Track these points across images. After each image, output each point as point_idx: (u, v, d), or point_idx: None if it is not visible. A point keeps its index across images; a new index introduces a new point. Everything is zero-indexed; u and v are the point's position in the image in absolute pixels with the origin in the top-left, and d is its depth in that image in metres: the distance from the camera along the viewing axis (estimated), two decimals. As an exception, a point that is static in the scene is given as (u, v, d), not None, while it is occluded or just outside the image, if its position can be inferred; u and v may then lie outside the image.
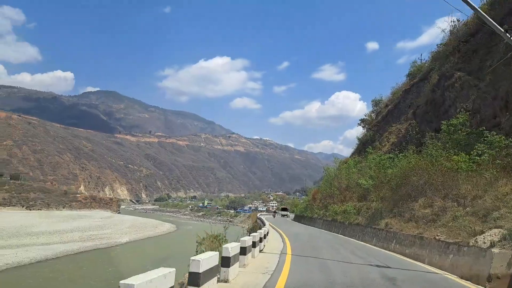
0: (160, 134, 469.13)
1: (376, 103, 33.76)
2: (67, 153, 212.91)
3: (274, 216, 70.30)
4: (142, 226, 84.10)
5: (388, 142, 21.65)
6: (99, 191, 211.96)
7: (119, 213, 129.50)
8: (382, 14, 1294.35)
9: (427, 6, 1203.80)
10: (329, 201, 29.78)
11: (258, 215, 59.05)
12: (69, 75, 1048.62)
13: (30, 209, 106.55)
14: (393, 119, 25.18)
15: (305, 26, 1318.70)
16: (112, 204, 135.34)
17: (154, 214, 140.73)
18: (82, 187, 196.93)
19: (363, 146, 28.04)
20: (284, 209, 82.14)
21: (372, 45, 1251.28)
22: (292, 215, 73.89)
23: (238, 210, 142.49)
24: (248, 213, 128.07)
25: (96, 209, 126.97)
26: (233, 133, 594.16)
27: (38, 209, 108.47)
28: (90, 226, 73.97)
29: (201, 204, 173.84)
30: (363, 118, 34.60)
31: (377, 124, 27.63)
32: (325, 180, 33.53)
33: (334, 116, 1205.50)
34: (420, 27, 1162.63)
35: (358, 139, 33.99)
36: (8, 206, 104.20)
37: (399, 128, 22.16)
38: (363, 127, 33.95)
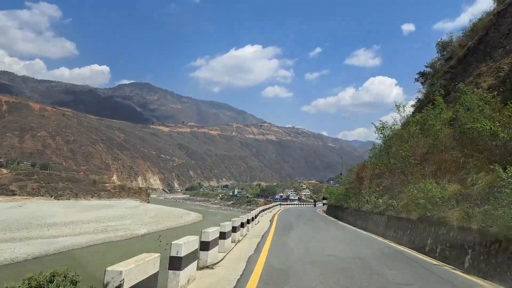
0: (193, 124, 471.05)
1: (443, 46, 25.70)
2: (99, 144, 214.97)
3: (315, 205, 76.50)
4: (166, 216, 79.87)
5: (479, 88, 14.28)
6: (132, 181, 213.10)
7: (148, 202, 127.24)
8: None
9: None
10: (394, 179, 17.49)
11: (263, 208, 32.97)
12: (105, 68, 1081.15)
13: (58, 199, 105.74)
14: (478, 58, 17.80)
15: (337, 10, 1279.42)
16: (141, 194, 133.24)
17: (184, 204, 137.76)
18: (114, 177, 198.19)
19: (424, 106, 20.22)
20: (324, 198, 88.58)
21: (408, 27, 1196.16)
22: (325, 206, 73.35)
23: (268, 198, 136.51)
24: (279, 201, 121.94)
25: (125, 198, 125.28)
26: (265, 122, 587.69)
27: (67, 199, 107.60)
28: (111, 216, 70.48)
29: (231, 193, 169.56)
30: (423, 71, 26.51)
31: (450, 71, 20.03)
32: (379, 152, 21.72)
33: (369, 102, 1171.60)
34: (459, 6, 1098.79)
35: (419, 100, 24.97)
36: (37, 196, 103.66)
37: (496, 66, 14.89)
38: (422, 82, 25.89)
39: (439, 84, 19.11)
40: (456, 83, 15.26)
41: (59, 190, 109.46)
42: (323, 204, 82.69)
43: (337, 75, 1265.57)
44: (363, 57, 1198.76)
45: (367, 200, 20.94)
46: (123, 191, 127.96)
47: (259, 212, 26.08)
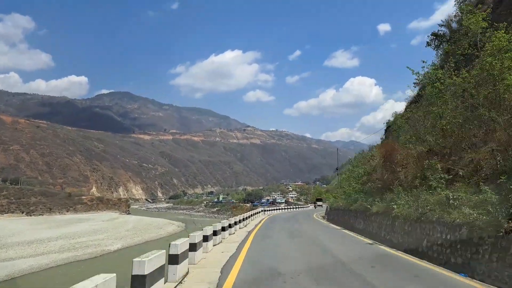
0: (175, 131, 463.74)
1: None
2: (77, 155, 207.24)
3: (315, 207, 74.19)
4: (145, 228, 74.78)
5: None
6: (112, 192, 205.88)
7: (128, 213, 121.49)
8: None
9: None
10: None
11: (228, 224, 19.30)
12: (83, 79, 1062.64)
13: (30, 215, 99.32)
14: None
15: (315, 13, 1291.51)
16: (121, 205, 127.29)
17: (167, 213, 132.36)
18: (94, 189, 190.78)
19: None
20: (318, 199, 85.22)
21: (384, 27, 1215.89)
22: (323, 206, 71.01)
23: (255, 203, 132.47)
24: (266, 206, 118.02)
25: (104, 210, 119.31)
26: (249, 126, 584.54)
27: (40, 214, 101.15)
28: (84, 231, 65.09)
29: (216, 200, 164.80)
30: (435, 32, 22.31)
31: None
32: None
33: (350, 103, 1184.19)
34: (432, 4, 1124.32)
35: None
36: (7, 212, 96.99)
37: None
38: (437, 45, 21.81)
39: (464, 44, 14.73)
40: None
41: (31, 206, 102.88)
42: (316, 206, 78.94)
43: (317, 77, 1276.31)
44: (342, 58, 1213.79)
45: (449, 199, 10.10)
46: (101, 203, 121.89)
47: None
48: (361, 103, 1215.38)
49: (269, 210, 50.86)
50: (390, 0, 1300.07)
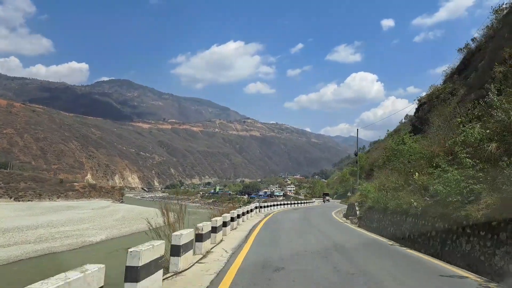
0: (174, 120, 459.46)
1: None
2: (73, 141, 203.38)
3: (324, 201, 69.96)
4: (135, 217, 71.20)
5: None
6: (108, 180, 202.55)
7: (121, 202, 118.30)
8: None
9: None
10: None
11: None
12: (84, 66, 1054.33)
13: (19, 200, 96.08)
14: None
15: (318, 6, 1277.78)
16: (114, 193, 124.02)
17: (161, 202, 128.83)
18: (89, 176, 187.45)
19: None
20: (326, 194, 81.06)
21: (388, 23, 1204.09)
22: (331, 201, 66.57)
23: (252, 195, 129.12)
24: (263, 198, 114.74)
25: (96, 198, 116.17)
26: (248, 118, 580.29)
27: (29, 200, 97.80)
28: (69, 220, 61.65)
29: (212, 191, 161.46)
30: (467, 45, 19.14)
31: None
32: None
33: (350, 98, 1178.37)
34: (437, 1, 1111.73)
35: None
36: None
37: None
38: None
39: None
40: None
41: (20, 191, 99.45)
42: (326, 200, 74.00)
43: (319, 71, 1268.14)
44: (344, 53, 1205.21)
45: None
46: (93, 191, 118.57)
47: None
48: (362, 99, 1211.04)
49: (267, 207, 33.91)
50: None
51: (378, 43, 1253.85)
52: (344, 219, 26.45)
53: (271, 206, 36.45)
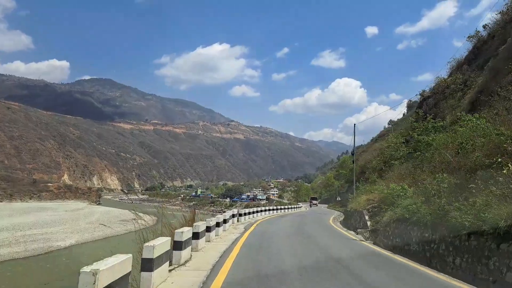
0: (156, 121, 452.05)
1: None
2: (49, 140, 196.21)
3: (311, 206, 66.73)
4: (111, 221, 67.68)
5: None
6: (86, 181, 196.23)
7: (98, 204, 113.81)
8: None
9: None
10: None
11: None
12: (65, 64, 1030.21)
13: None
14: None
15: (305, 11, 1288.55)
16: (91, 194, 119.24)
17: (140, 205, 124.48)
18: (65, 176, 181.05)
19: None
20: (313, 198, 77.75)
21: (372, 30, 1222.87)
22: (317, 206, 67.34)
23: (234, 199, 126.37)
24: (246, 202, 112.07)
25: (71, 200, 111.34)
26: (233, 121, 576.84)
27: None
28: (39, 222, 57.65)
29: (193, 193, 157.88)
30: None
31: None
32: None
33: (334, 104, 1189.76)
34: (419, 11, 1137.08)
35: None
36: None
37: None
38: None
39: None
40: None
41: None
42: (313, 204, 70.09)
43: (303, 76, 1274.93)
44: (328, 59, 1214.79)
45: None
46: (69, 192, 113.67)
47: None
48: (346, 105, 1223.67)
49: (248, 214, 26.75)
50: (379, 3, 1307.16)
51: (362, 49, 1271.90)
52: (352, 232, 19.83)
53: (253, 213, 28.99)
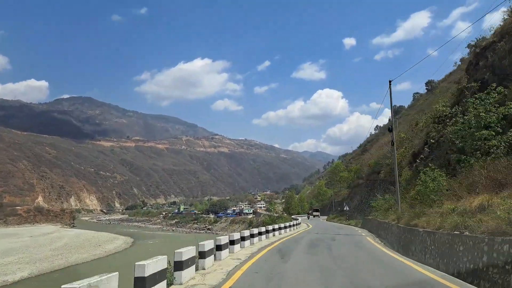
0: (138, 138, 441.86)
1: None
2: (22, 161, 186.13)
3: (308, 217, 63.49)
4: (80, 245, 60.98)
5: None
6: (62, 202, 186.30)
7: (73, 226, 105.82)
8: (357, 9, 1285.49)
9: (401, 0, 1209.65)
10: None
11: None
12: (43, 84, 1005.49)
13: None
14: None
15: (285, 24, 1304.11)
16: (64, 217, 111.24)
17: (118, 226, 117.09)
18: (40, 198, 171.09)
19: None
20: (315, 210, 71.63)
21: (350, 41, 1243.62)
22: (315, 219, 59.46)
23: (219, 214, 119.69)
24: (232, 217, 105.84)
25: (43, 223, 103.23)
26: (217, 134, 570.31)
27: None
28: (-6, 251, 50.45)
29: (176, 211, 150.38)
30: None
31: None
32: None
33: (317, 115, 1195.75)
34: (394, 22, 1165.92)
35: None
36: None
37: None
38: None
39: None
40: None
41: None
42: (313, 216, 66.13)
43: (285, 88, 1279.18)
44: (309, 70, 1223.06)
45: None
46: (40, 215, 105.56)
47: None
48: (328, 115, 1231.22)
49: (222, 247, 11.96)
50: (355, 15, 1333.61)
51: (341, 60, 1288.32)
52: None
53: (235, 242, 13.81)
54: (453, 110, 14.99)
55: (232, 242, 13.36)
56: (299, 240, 20.12)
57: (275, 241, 18.87)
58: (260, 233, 18.73)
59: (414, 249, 12.79)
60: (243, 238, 15.12)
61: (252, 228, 23.70)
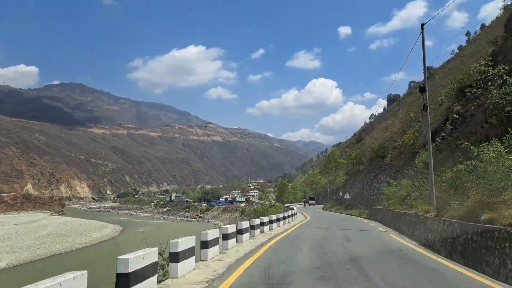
0: (130, 125, 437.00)
1: None
2: (11, 147, 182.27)
3: (305, 206, 62.35)
4: (65, 233, 58.93)
5: None
6: (52, 189, 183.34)
7: (61, 214, 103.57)
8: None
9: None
10: None
11: None
12: (33, 69, 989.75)
13: None
14: None
15: (279, 12, 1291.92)
16: (53, 204, 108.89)
17: (109, 213, 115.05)
18: (29, 185, 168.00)
19: None
20: (311, 199, 71.52)
21: (345, 30, 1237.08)
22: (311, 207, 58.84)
23: (211, 202, 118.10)
24: (224, 205, 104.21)
25: (30, 211, 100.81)
26: (210, 123, 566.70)
27: None
28: (-27, 240, 48.21)
29: (168, 199, 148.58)
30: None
31: None
32: None
33: (311, 104, 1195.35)
34: (390, 11, 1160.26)
35: None
36: None
37: None
38: None
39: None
40: None
41: None
42: (309, 205, 65.50)
43: (280, 77, 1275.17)
44: (303, 59, 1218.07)
45: None
46: (27, 202, 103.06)
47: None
48: (322, 105, 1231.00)
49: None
50: (351, 3, 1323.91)
51: (336, 50, 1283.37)
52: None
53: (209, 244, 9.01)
54: (497, 70, 12.91)
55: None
56: (298, 241, 13.64)
57: (264, 242, 12.56)
58: (240, 231, 11.99)
59: (493, 262, 7.26)
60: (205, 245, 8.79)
61: (243, 218, 17.98)
